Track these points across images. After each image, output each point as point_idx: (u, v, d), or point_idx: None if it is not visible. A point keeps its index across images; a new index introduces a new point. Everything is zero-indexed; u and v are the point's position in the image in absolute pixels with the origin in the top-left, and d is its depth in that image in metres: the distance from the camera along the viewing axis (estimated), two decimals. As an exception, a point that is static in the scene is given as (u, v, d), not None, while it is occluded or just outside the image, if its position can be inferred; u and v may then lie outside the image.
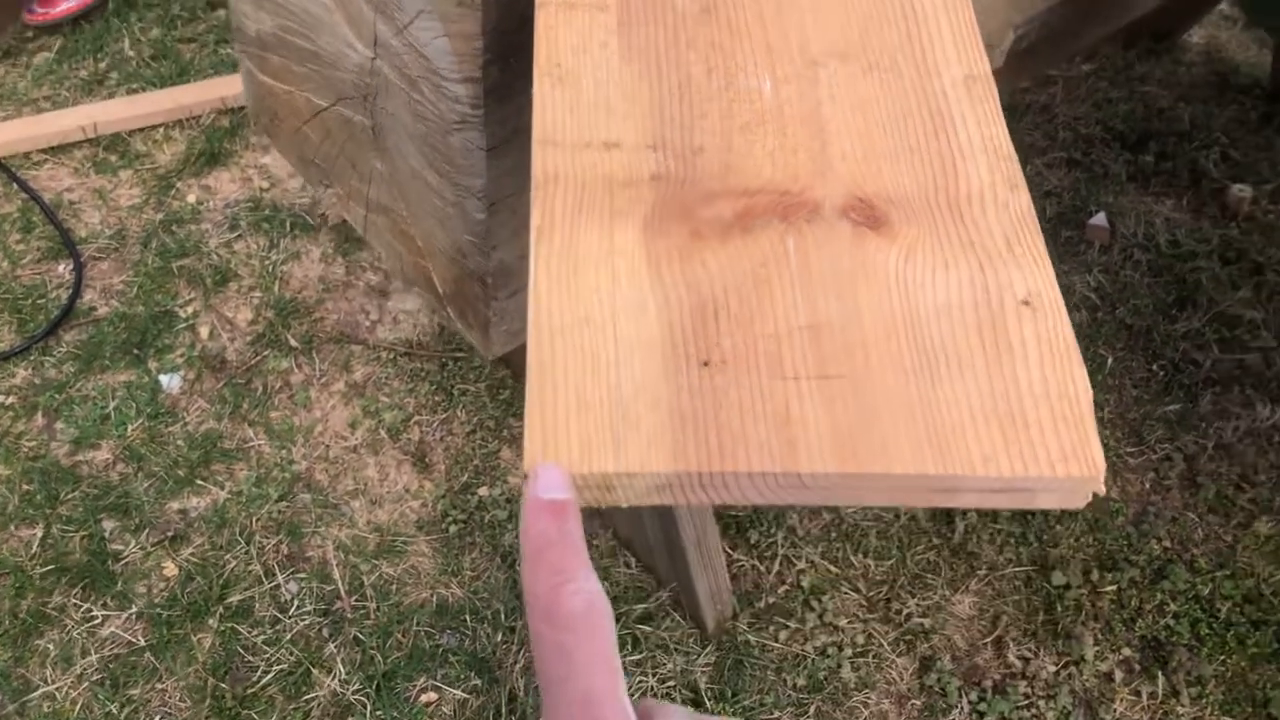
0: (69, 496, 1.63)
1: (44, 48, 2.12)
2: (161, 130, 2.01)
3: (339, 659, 1.52)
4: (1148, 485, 1.73)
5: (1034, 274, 0.61)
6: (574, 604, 0.40)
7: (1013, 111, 2.19)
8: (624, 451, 0.52)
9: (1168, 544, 1.67)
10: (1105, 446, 1.75)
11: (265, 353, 1.79)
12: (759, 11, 0.71)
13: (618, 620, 1.55)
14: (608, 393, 0.54)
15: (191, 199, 1.95)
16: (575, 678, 0.38)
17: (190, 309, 1.83)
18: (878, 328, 0.57)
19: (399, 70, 0.92)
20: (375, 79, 0.97)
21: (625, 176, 0.63)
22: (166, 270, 1.86)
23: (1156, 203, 2.05)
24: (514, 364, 1.79)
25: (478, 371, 1.79)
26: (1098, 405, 1.78)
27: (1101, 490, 0.56)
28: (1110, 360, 1.84)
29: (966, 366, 0.56)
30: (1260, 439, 1.77)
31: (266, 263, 1.88)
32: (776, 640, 1.56)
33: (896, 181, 0.64)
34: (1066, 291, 1.92)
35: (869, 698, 1.52)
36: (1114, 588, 1.62)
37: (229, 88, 2.02)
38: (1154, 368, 1.84)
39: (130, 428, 1.70)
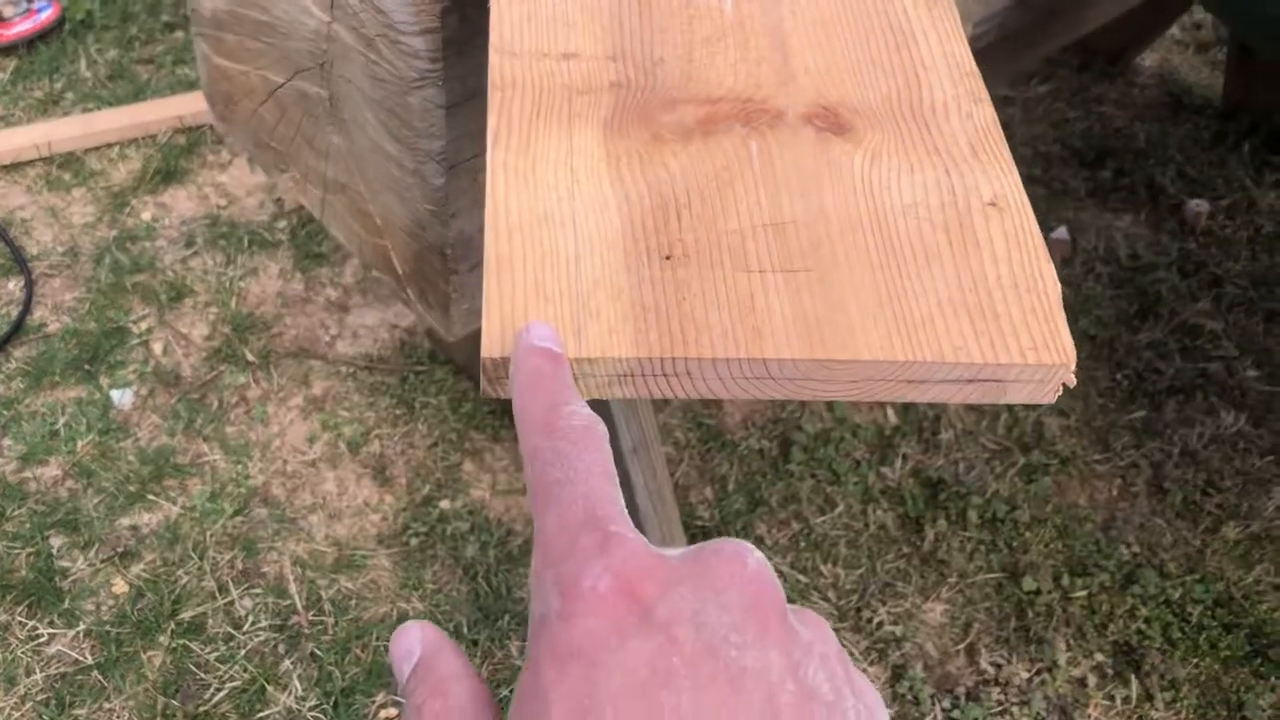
0: (15, 513, 1.58)
1: (-2, 69, 2.10)
2: (117, 149, 1.99)
3: (295, 675, 1.47)
4: (1115, 492, 1.72)
5: (1000, 179, 0.60)
6: (572, 421, 0.39)
7: (971, 131, 2.21)
8: (584, 338, 0.50)
9: (1137, 549, 1.66)
10: (1072, 455, 1.75)
11: (221, 368, 1.75)
12: (721, -68, 0.70)
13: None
14: (568, 285, 0.52)
15: (146, 216, 1.92)
16: (575, 481, 0.36)
17: (144, 325, 1.79)
18: (844, 225, 0.56)
19: (356, 31, 0.91)
20: (332, 45, 0.96)
21: (584, 84, 0.61)
22: (120, 287, 1.82)
23: (1116, 218, 2.07)
24: (475, 374, 1.76)
25: (439, 385, 1.76)
26: (1063, 414, 1.78)
27: (1072, 381, 0.54)
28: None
29: (934, 260, 0.55)
30: (1225, 445, 1.77)
31: (223, 279, 1.85)
32: (746, 650, 1.53)
33: (860, 93, 0.63)
34: (1029, 303, 1.92)
35: (841, 706, 1.48)
36: (1085, 593, 1.60)
37: (186, 106, 2.00)
38: (1118, 377, 1.84)
39: (80, 444, 1.65)
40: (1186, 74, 2.37)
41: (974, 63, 0.66)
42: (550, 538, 0.34)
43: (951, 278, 0.54)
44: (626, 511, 0.36)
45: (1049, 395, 0.54)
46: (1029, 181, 2.11)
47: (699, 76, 0.62)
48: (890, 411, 1.78)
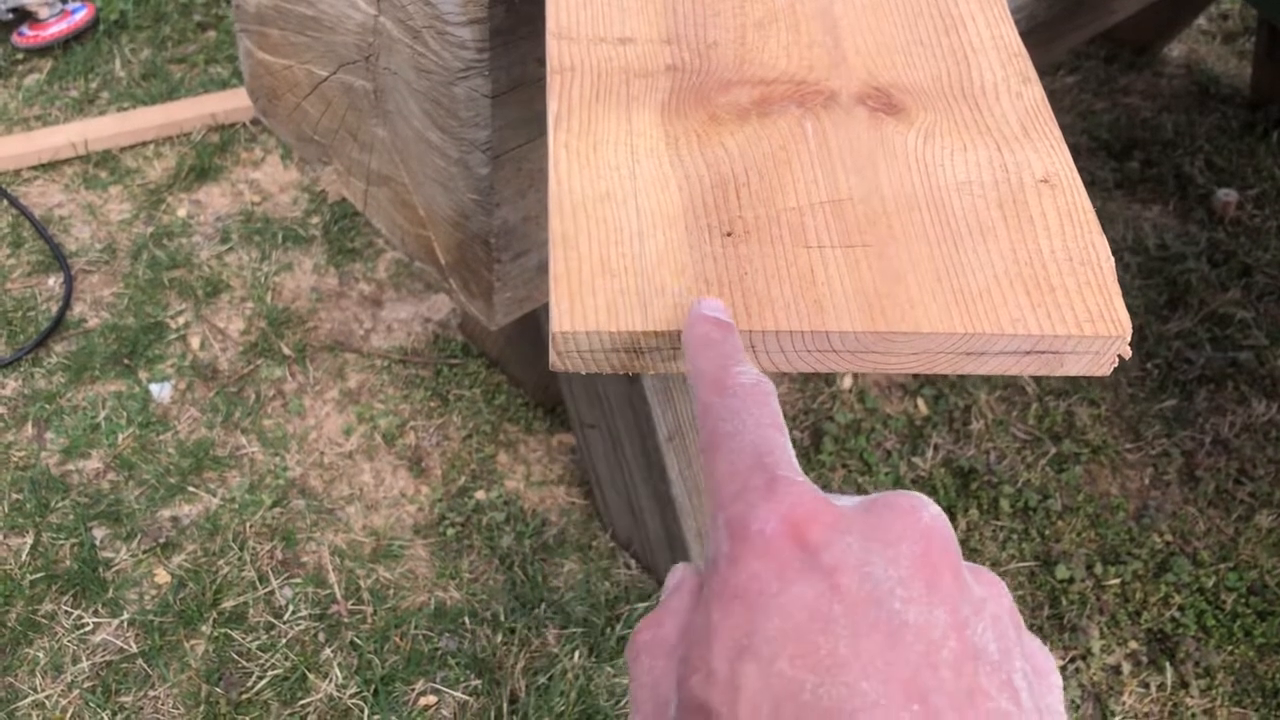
0: (59, 505, 1.60)
1: (34, 69, 2.12)
2: (152, 147, 2.01)
3: (335, 663, 1.49)
4: (1147, 481, 1.72)
5: (1051, 156, 0.61)
6: (742, 379, 0.41)
7: (998, 123, 2.21)
8: (651, 312, 0.52)
9: (1169, 538, 1.66)
10: (1103, 444, 1.75)
11: (258, 362, 1.78)
12: (768, -77, 0.72)
13: (618, 620, 1.53)
14: (632, 261, 0.53)
15: (182, 213, 1.94)
16: (745, 432, 0.37)
17: (181, 320, 1.81)
18: (899, 201, 0.57)
19: (402, 23, 0.93)
20: (377, 38, 0.98)
21: (641, 68, 0.63)
22: (157, 282, 1.85)
23: (1144, 208, 2.07)
24: (508, 368, 1.78)
25: (473, 377, 1.78)
26: (1093, 403, 1.79)
27: (1127, 353, 0.55)
28: (1105, 359, 1.84)
29: (989, 235, 0.56)
30: (1257, 434, 1.77)
31: (258, 274, 1.87)
32: (780, 638, 1.54)
33: (910, 74, 0.64)
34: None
35: (875, 693, 1.49)
36: (1118, 581, 1.61)
37: (220, 104, 2.03)
38: (1148, 366, 1.84)
39: (120, 437, 1.68)
40: (1214, 64, 2.36)
41: (1022, 44, 0.67)
42: (720, 483, 0.36)
43: (1007, 252, 0.55)
44: (796, 462, 0.37)
45: (1105, 367, 0.55)
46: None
47: (752, 59, 0.64)
48: (920, 402, 1.78)
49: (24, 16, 2.14)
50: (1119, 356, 0.55)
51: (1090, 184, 2.10)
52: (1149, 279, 1.95)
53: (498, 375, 1.78)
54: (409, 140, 1.02)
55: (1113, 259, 0.57)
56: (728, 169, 0.58)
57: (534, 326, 1.59)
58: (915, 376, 1.81)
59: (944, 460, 1.71)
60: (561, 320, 0.51)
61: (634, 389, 1.39)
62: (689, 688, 0.31)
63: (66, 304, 1.81)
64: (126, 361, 1.76)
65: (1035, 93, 0.64)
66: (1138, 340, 1.87)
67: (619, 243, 0.54)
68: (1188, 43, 2.41)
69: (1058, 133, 0.62)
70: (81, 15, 2.16)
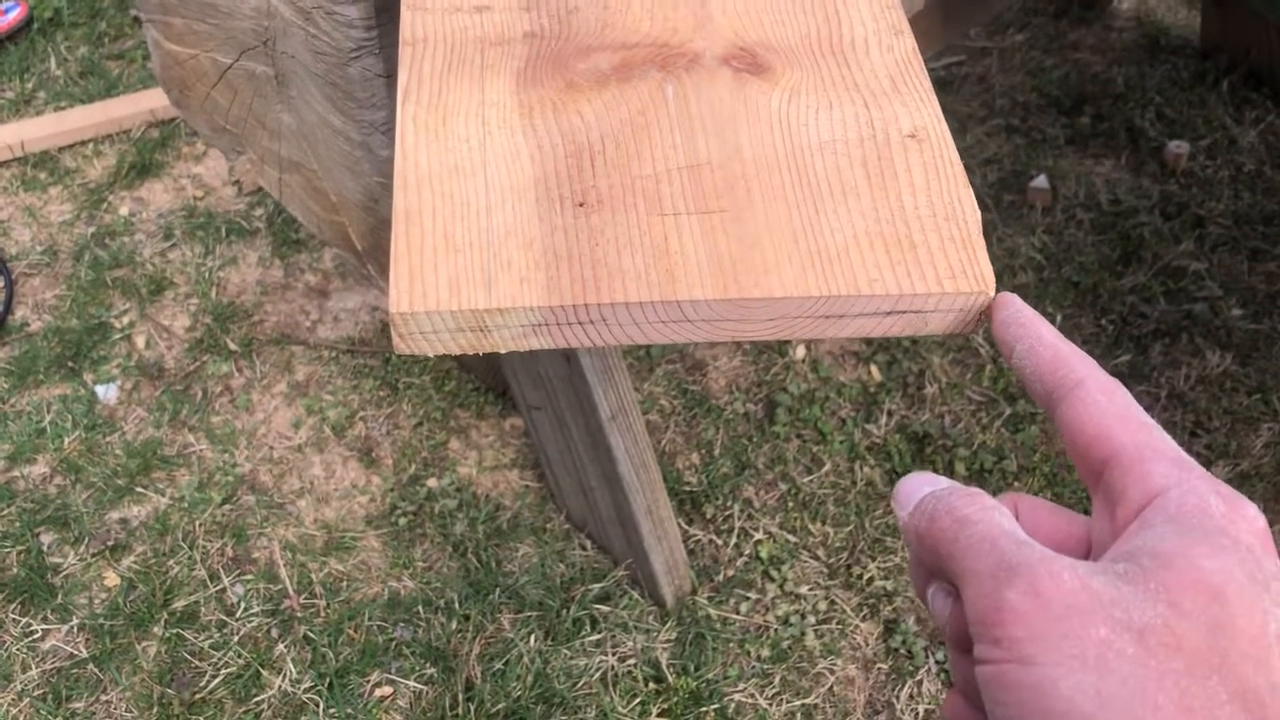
0: (5, 512, 1.59)
1: (-31, 73, 2.09)
2: (91, 146, 1.98)
3: (289, 658, 1.47)
4: (1104, 437, 1.71)
5: (920, 110, 0.59)
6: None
7: (949, 84, 2.20)
8: (496, 288, 0.50)
9: (1127, 493, 1.65)
10: (1059, 402, 1.74)
11: (204, 358, 1.76)
12: (635, -113, 0.70)
13: (573, 602, 1.51)
14: (478, 235, 0.52)
15: (124, 211, 1.92)
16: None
17: (126, 319, 1.79)
18: (759, 164, 0.56)
19: (292, 4, 0.90)
20: (273, 21, 0.95)
21: (497, 36, 0.61)
22: (100, 282, 1.82)
23: (1096, 163, 2.05)
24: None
25: (422, 365, 1.76)
26: (1049, 362, 1.77)
27: (991, 313, 0.54)
28: (1059, 318, 1.83)
29: (851, 195, 0.55)
30: (1212, 386, 1.76)
31: (203, 269, 1.85)
32: (738, 613, 1.53)
33: (778, 32, 0.62)
34: (1011, 254, 1.91)
35: (834, 664, 1.49)
36: (1076, 539, 1.60)
37: (159, 100, 2.00)
38: (1103, 322, 1.83)
39: (67, 440, 1.66)
40: (1163, 15, 2.35)
41: (895, -2, 0.65)
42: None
43: (869, 210, 0.54)
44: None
45: (970, 325, 0.54)
46: (1007, 131, 2.10)
47: (615, 23, 0.62)
48: (874, 369, 1.77)
49: (-44, 19, 2.11)
50: (983, 314, 0.54)
51: (1041, 141, 2.09)
52: (1102, 235, 1.94)
53: (447, 362, 1.76)
54: (314, 125, 1.01)
55: (979, 213, 0.55)
56: (584, 138, 0.56)
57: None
58: (868, 342, 1.80)
59: (898, 426, 1.70)
60: (399, 300, 0.50)
61: (573, 369, 1.37)
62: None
63: (7, 309, 1.78)
64: (71, 364, 1.74)
65: (906, 44, 0.62)
66: (1092, 297, 1.86)
67: (464, 218, 0.52)
68: (1138, -6, 2.39)
69: (928, 84, 0.60)
70: (14, 14, 2.13)
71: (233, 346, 1.77)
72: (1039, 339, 0.44)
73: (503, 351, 0.52)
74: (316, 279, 1.86)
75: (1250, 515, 0.34)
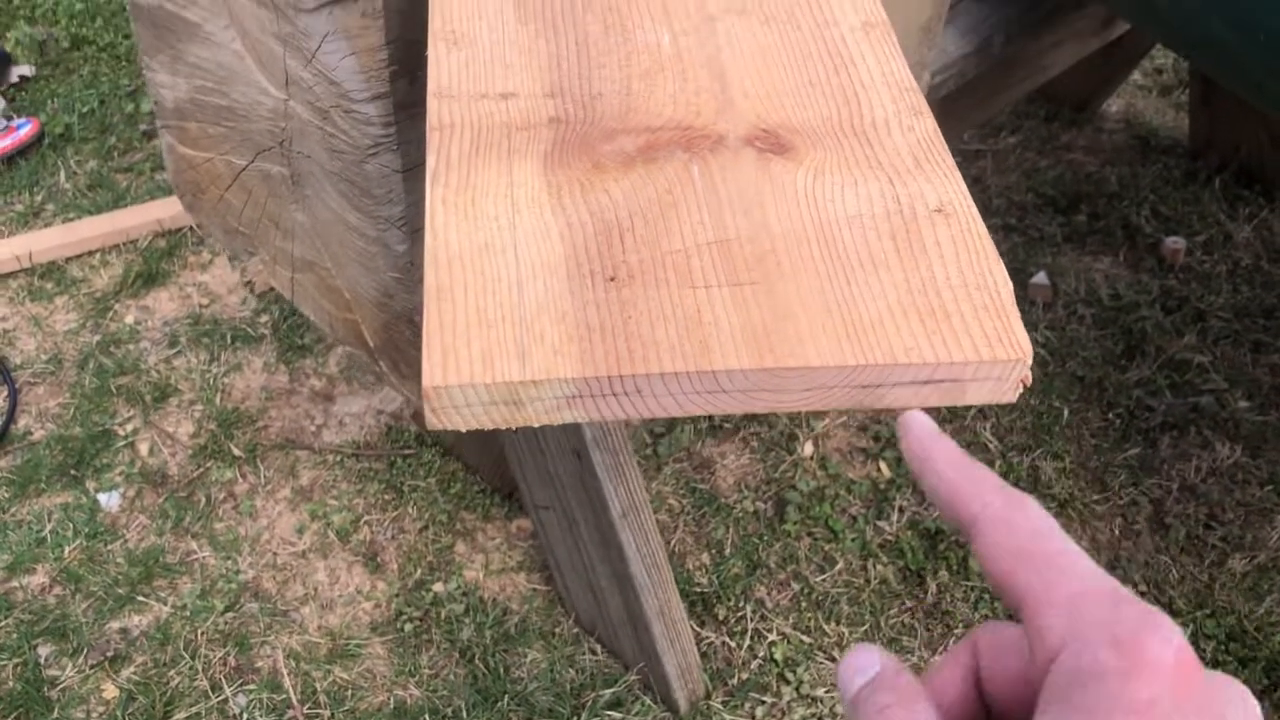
0: (2, 624, 1.55)
1: (-21, 186, 2.12)
2: (99, 256, 2.00)
3: (292, 772, 1.43)
4: (1117, 531, 1.70)
5: (944, 186, 0.60)
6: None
7: (945, 185, 2.23)
8: (530, 361, 0.50)
9: (1144, 588, 1.63)
10: (1070, 497, 1.72)
11: (208, 465, 1.74)
12: (655, -21, 0.71)
13: (584, 709, 1.48)
14: (510, 310, 0.52)
15: (130, 320, 1.92)
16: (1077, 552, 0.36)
17: (129, 427, 1.78)
18: (788, 238, 0.56)
19: (311, 105, 0.92)
20: (289, 122, 0.97)
21: (522, 121, 0.62)
22: (104, 390, 1.82)
23: (1095, 260, 2.07)
24: (463, 454, 1.75)
25: (427, 467, 1.75)
26: (1057, 457, 1.77)
27: (1028, 378, 0.53)
28: (1066, 412, 1.83)
29: (881, 267, 0.55)
30: (1223, 478, 1.75)
31: (208, 376, 1.85)
32: (753, 717, 1.49)
33: (800, 114, 0.63)
34: (1015, 349, 1.91)
35: (854, 769, 1.44)
36: (1095, 636, 1.57)
37: (166, 210, 2.02)
38: (1110, 416, 1.83)
39: (67, 549, 1.63)
40: (1152, 117, 2.40)
41: (913, 80, 0.66)
42: (1082, 596, 0.34)
43: (900, 282, 0.54)
44: None
45: (1009, 393, 0.53)
46: (1005, 230, 2.12)
47: (638, 108, 0.63)
48: (884, 465, 1.76)
49: (-32, 135, 2.15)
50: (1021, 383, 0.53)
51: (1039, 239, 2.11)
52: (1104, 329, 1.94)
53: (453, 463, 1.75)
54: (328, 223, 1.01)
55: (1010, 284, 0.55)
56: (612, 215, 0.56)
57: (485, 411, 1.56)
58: (875, 439, 1.79)
59: (910, 522, 1.68)
60: (433, 374, 0.49)
61: (584, 466, 1.36)
62: None
63: (10, 419, 1.77)
64: (73, 472, 1.72)
65: (927, 125, 0.63)
66: (1098, 391, 1.86)
67: (496, 293, 0.52)
68: (1125, 97, 2.45)
69: (950, 162, 0.61)
70: (26, 130, 2.16)
71: (237, 452, 1.75)
72: (937, 474, 0.41)
73: (535, 425, 0.51)
74: (321, 384, 1.85)
75: (1153, 655, 0.31)
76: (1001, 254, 1.90)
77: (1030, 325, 1.96)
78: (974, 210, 0.58)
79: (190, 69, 1.05)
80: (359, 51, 0.84)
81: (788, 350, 0.50)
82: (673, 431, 1.81)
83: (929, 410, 0.49)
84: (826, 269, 0.54)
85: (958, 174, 0.60)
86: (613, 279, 0.53)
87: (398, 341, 1.04)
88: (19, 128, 2.17)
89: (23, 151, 2.15)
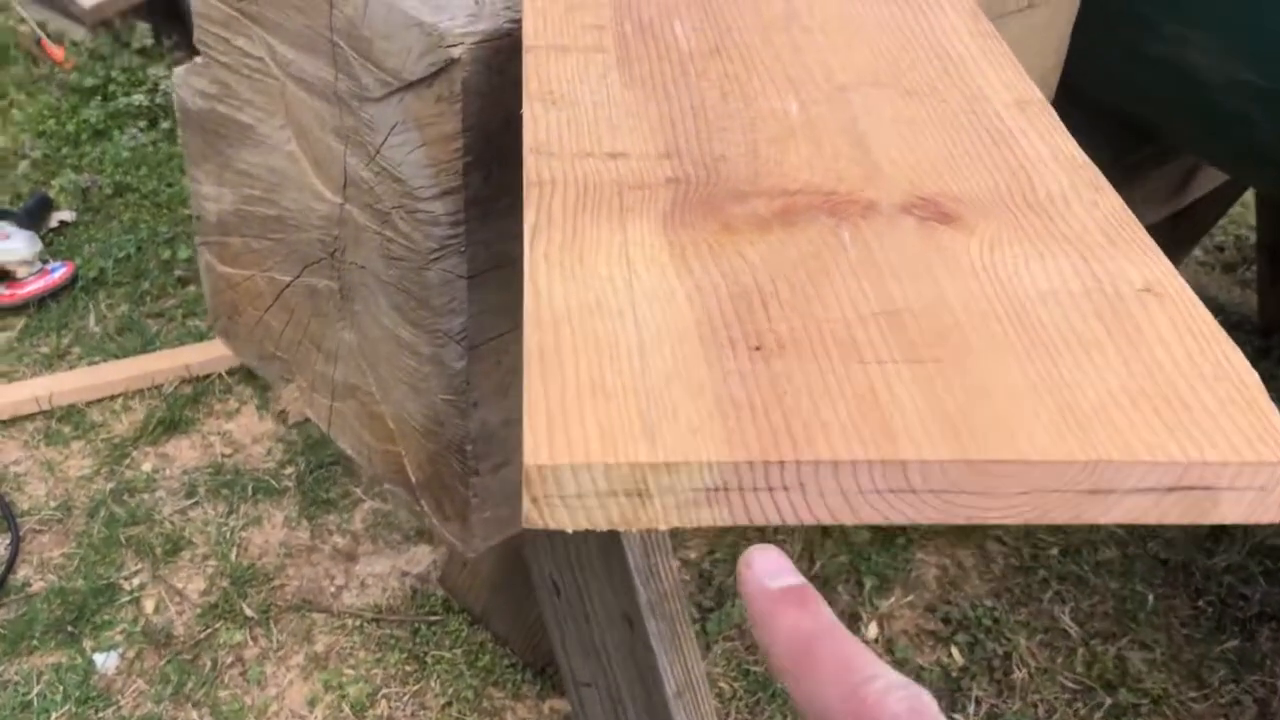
0: (-27, 798, 1.39)
1: (5, 328, 2.05)
2: (121, 400, 1.91)
3: None
4: (1219, 734, 1.52)
5: (1148, 264, 0.49)
6: (895, 707, 0.30)
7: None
8: (661, 439, 0.38)
9: (1256, 801, 1.44)
10: (1164, 693, 1.55)
11: (217, 625, 1.60)
12: (774, 52, 0.63)
13: None
14: (631, 380, 0.40)
15: (147, 467, 1.81)
16: None
17: (136, 581, 1.65)
18: (970, 312, 0.45)
19: (370, 208, 0.83)
20: (343, 229, 0.88)
21: (635, 181, 0.52)
22: (113, 541, 1.69)
23: (1169, 437, 1.95)
24: (493, 624, 1.60)
25: (454, 636, 1.60)
26: (1146, 647, 1.60)
27: (1302, 491, 0.42)
28: (1151, 598, 1.67)
29: (1092, 348, 0.44)
30: (1333, 677, 1.58)
31: (224, 529, 1.72)
32: None
33: (959, 185, 0.53)
34: (1091, 528, 1.78)
35: None
36: None
37: (194, 355, 1.94)
38: (1200, 604, 1.67)
39: (54, 715, 1.48)
40: (1217, 293, 2.32)
41: (1086, 157, 0.56)
42: None
43: (1118, 366, 0.43)
44: None
45: (1272, 509, 0.41)
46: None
47: (769, 171, 0.53)
48: (955, 651, 1.60)
49: (2, 276, 2.09)
50: (1283, 507, 0.41)
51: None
52: (1187, 510, 1.81)
53: (481, 633, 1.60)
54: (377, 341, 0.92)
55: (1256, 374, 0.44)
56: (749, 279, 0.46)
57: (520, 574, 1.43)
58: (946, 621, 1.63)
59: (987, 715, 1.51)
60: (538, 451, 0.38)
61: (635, 636, 1.22)
62: None
63: (10, 568, 1.64)
64: (70, 628, 1.58)
65: (1112, 201, 0.53)
66: (1184, 576, 1.71)
67: (614, 359, 0.41)
68: (1188, 272, 2.37)
69: (1149, 240, 0.51)
70: (60, 273, 2.11)
71: (249, 612, 1.61)
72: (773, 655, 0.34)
73: (662, 527, 0.39)
74: (345, 541, 1.73)
75: None
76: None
77: (1107, 503, 1.82)
78: (1189, 291, 0.47)
79: (238, 177, 0.98)
80: (429, 142, 0.76)
81: (997, 441, 0.39)
82: (723, 607, 1.66)
83: (1162, 528, 0.38)
84: (1024, 348, 0.43)
85: (1160, 253, 0.50)
86: (758, 348, 0.42)
87: (444, 476, 0.93)
88: (53, 271, 2.11)
89: (55, 294, 2.09)
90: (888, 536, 1.76)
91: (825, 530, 1.76)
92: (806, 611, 0.34)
